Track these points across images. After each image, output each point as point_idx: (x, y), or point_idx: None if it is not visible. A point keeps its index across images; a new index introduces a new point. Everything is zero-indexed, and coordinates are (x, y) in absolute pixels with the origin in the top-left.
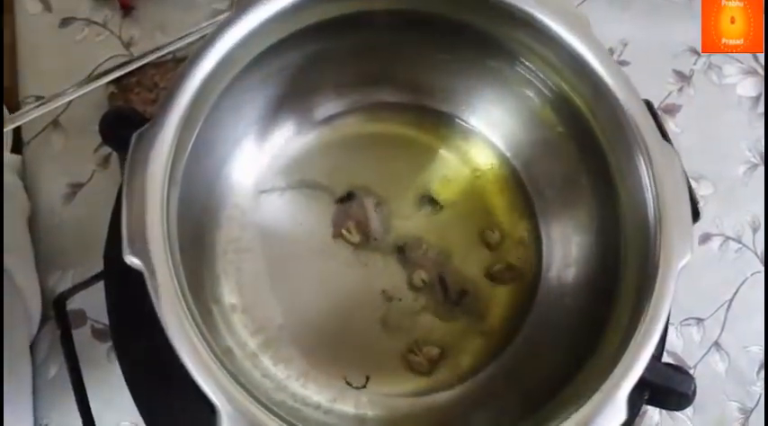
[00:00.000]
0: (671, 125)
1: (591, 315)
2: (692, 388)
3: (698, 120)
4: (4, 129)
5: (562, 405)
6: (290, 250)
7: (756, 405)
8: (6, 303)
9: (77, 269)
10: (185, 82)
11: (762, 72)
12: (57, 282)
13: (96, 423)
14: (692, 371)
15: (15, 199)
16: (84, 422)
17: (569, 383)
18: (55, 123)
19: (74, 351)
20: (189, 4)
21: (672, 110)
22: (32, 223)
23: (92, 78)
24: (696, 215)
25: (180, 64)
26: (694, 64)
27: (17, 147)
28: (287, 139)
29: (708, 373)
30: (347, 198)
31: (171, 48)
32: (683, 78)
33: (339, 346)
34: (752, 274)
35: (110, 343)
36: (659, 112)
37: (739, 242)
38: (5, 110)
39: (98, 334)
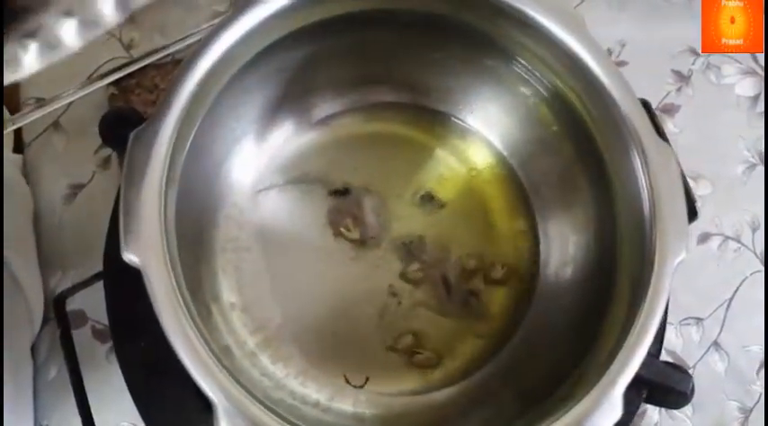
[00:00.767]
0: (669, 125)
1: (588, 313)
2: (690, 387)
3: (696, 120)
4: (5, 131)
5: (559, 403)
6: (288, 248)
7: (756, 405)
8: (9, 302)
9: (78, 270)
10: (183, 81)
11: (761, 72)
12: (57, 283)
13: (96, 424)
14: (691, 371)
15: (19, 197)
16: (84, 423)
17: (566, 381)
18: (56, 125)
19: (74, 352)
20: (189, 6)
21: (670, 110)
22: (33, 223)
23: (92, 80)
24: (693, 214)
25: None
26: (693, 64)
27: (18, 149)
28: (285, 139)
29: (707, 372)
30: (342, 192)
31: (171, 50)
32: (682, 78)
33: (338, 344)
34: (751, 274)
35: (110, 344)
36: (658, 112)
37: (738, 241)
38: (6, 112)
39: (98, 335)
